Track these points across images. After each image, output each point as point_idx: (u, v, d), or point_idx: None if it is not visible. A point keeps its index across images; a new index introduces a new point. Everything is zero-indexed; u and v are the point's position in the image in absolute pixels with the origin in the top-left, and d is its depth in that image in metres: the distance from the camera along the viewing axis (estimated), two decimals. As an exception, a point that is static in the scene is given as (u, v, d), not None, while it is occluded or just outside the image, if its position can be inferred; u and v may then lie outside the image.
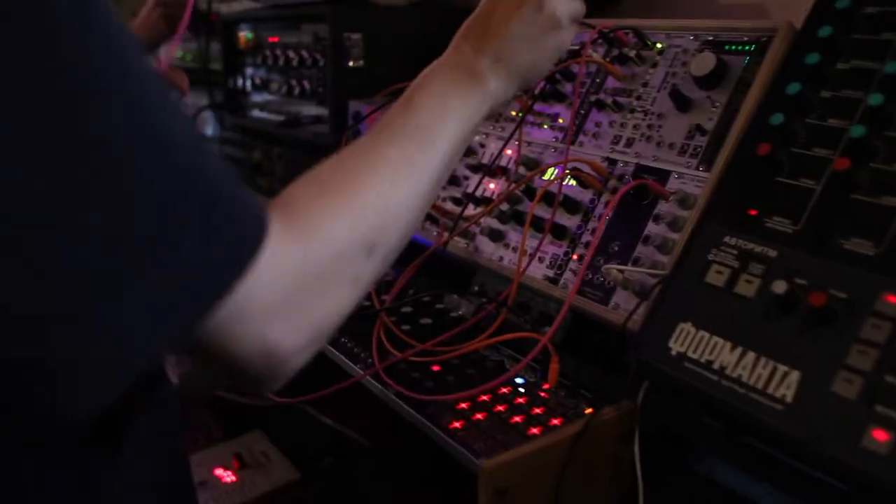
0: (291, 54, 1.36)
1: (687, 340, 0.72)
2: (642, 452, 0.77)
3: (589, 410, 0.78)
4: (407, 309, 0.98)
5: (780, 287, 0.66)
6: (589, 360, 0.88)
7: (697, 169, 0.84)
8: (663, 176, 0.87)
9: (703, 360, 0.70)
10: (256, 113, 1.58)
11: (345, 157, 0.60)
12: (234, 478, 1.26)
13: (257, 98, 1.58)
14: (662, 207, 0.85)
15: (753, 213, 0.74)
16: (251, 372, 0.50)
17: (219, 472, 1.28)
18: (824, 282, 0.66)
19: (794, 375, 0.64)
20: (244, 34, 1.55)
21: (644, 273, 0.82)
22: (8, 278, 0.39)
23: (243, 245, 0.46)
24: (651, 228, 0.85)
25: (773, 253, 0.71)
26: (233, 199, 0.47)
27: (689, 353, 0.71)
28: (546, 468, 0.72)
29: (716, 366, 0.69)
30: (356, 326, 0.97)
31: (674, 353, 0.72)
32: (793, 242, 0.70)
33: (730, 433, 0.71)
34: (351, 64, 1.24)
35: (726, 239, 0.74)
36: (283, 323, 0.49)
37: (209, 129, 1.77)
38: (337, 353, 0.92)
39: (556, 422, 0.76)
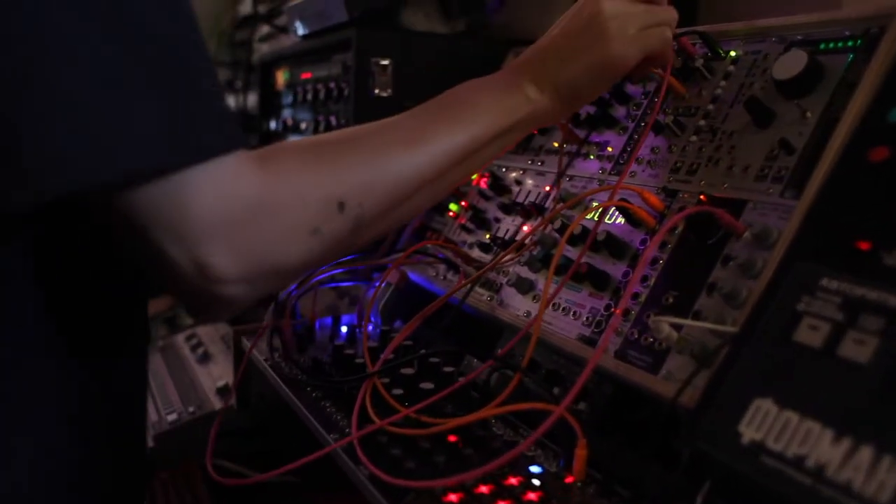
0: (320, 87, 1.24)
1: (766, 424, 0.50)
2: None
3: (625, 518, 0.56)
4: (408, 370, 0.78)
5: (913, 345, 0.43)
6: (630, 445, 0.65)
7: (782, 196, 0.63)
8: (736, 207, 0.66)
9: (789, 453, 0.48)
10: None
11: (365, 124, 0.66)
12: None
13: (290, 139, 1.46)
14: (734, 247, 0.64)
15: (865, 246, 0.52)
16: (183, 285, 0.51)
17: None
18: (982, 342, 0.43)
19: (942, 486, 0.41)
20: (282, 72, 1.45)
21: (706, 329, 0.60)
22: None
23: (199, 142, 0.50)
24: (718, 274, 0.64)
25: (896, 301, 0.49)
26: (210, 107, 0.52)
27: (769, 444, 0.49)
28: None
29: (810, 463, 0.47)
30: (345, 391, 0.78)
31: (746, 441, 0.50)
32: (927, 286, 0.48)
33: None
34: (377, 92, 1.09)
35: (824, 282, 0.53)
36: (220, 245, 0.51)
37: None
38: (311, 419, 0.73)
39: (577, 532, 0.54)
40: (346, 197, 0.57)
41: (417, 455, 0.63)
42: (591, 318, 0.73)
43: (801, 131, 0.65)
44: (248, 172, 0.52)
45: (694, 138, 0.75)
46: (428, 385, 0.74)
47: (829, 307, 0.52)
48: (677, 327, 0.62)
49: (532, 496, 0.59)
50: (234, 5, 2.02)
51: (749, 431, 0.50)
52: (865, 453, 0.45)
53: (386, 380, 0.75)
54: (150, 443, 1.01)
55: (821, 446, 0.47)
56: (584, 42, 0.69)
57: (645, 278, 0.70)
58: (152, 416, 1.06)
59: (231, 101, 1.86)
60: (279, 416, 0.94)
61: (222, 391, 1.07)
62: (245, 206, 0.52)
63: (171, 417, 1.04)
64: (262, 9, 1.62)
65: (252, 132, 1.58)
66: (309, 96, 1.26)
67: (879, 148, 0.52)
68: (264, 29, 1.62)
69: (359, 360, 0.82)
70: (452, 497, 0.59)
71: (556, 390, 0.76)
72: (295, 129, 1.39)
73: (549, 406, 0.59)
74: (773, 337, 0.53)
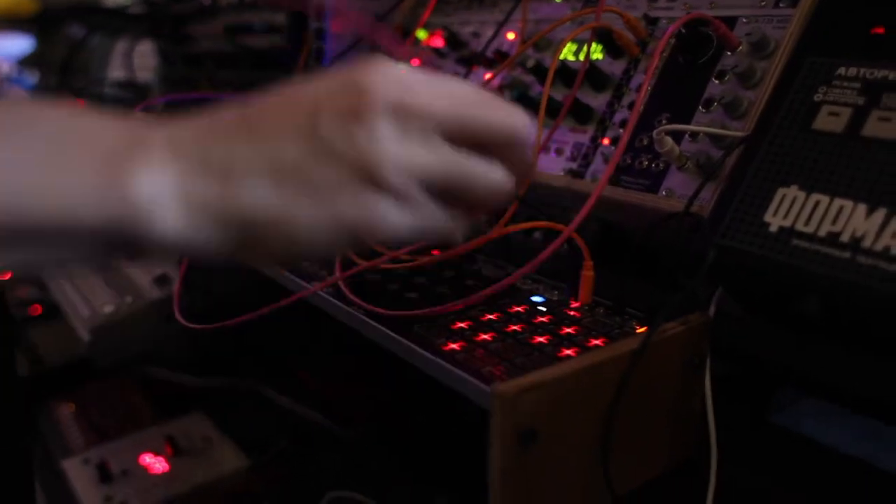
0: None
1: (794, 210, 0.49)
2: (714, 390, 0.54)
3: (642, 329, 0.54)
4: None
5: (954, 103, 0.43)
6: (629, 276, 0.64)
7: (777, 6, 0.62)
8: (727, 24, 0.64)
9: (822, 233, 0.47)
10: (206, 42, 1.34)
11: None
12: (165, 466, 1.00)
13: (207, 25, 1.33)
14: (727, 62, 0.62)
15: (880, 30, 0.51)
16: None
17: (147, 459, 1.02)
18: None
19: None
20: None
21: (712, 134, 0.59)
22: None
23: None
24: (713, 90, 0.62)
25: (920, 76, 0.48)
26: None
27: (800, 227, 0.48)
28: (589, 401, 0.48)
29: (845, 238, 0.46)
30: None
31: (774, 229, 0.49)
32: (950, 59, 0.47)
33: (865, 341, 0.48)
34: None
35: (841, 71, 0.52)
36: None
37: (150, 68, 1.52)
38: (285, 273, 0.68)
39: (596, 342, 0.52)
40: None
41: (416, 288, 0.59)
42: (576, 153, 0.70)
43: (791, -60, 0.63)
44: None
45: (672, -37, 0.72)
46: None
47: (849, 93, 0.50)
48: (682, 132, 0.60)
49: (543, 319, 0.57)
50: None
51: (776, 220, 0.49)
52: (901, 220, 0.44)
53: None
54: (86, 336, 0.92)
55: (854, 221, 0.46)
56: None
57: (631, 105, 0.67)
58: (83, 311, 0.97)
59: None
60: (238, 294, 0.87)
61: (161, 281, 0.99)
62: None
63: (108, 309, 0.95)
64: None
65: (160, 22, 1.44)
66: None
67: (897, -73, 0.51)
68: None
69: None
70: (461, 324, 0.56)
71: (537, 234, 0.74)
72: (213, 9, 1.27)
73: (560, 227, 0.56)
74: (790, 130, 0.52)
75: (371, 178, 0.36)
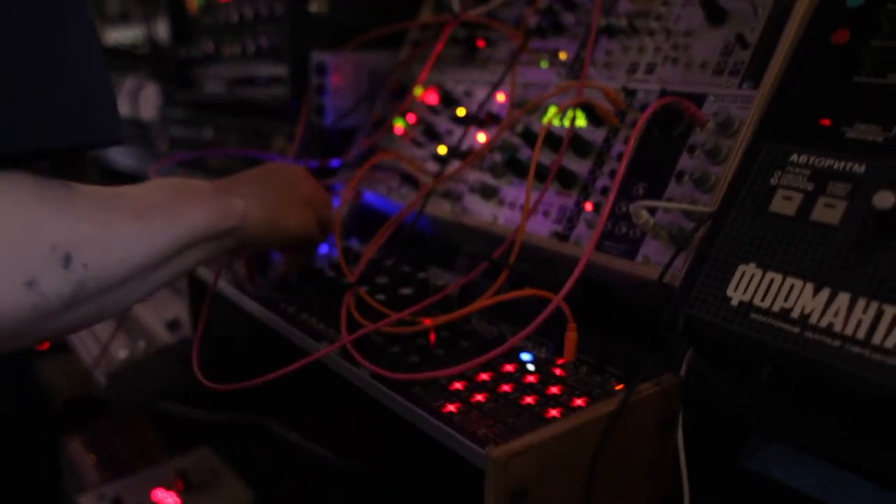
0: (247, 10, 1.19)
1: (752, 286, 0.55)
2: (686, 442, 0.60)
3: (620, 387, 0.61)
4: (382, 279, 0.79)
5: (885, 200, 0.49)
6: (610, 335, 0.70)
7: (740, 87, 0.68)
8: (697, 101, 0.70)
9: (776, 308, 0.53)
10: (210, 87, 1.40)
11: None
12: (177, 500, 1.06)
13: (210, 71, 1.40)
14: (698, 137, 0.69)
15: (826, 122, 0.58)
16: None
17: (159, 494, 1.07)
18: (942, 193, 0.49)
19: (913, 317, 0.47)
20: (194, -4, 1.37)
21: (683, 210, 0.65)
22: None
23: None
24: (685, 162, 0.68)
25: (860, 168, 0.54)
26: None
27: (757, 302, 0.54)
28: (573, 461, 0.54)
29: (795, 314, 0.52)
30: (323, 302, 0.78)
31: (734, 303, 0.55)
32: (886, 152, 0.54)
33: (813, 402, 0.54)
34: (315, 9, 1.06)
35: (793, 158, 0.58)
36: None
37: (155, 107, 1.58)
38: (294, 330, 0.74)
39: (579, 402, 0.58)
40: (72, 248, 0.50)
41: (417, 351, 0.65)
42: (561, 216, 0.76)
43: (753, 27, 0.69)
44: None
45: (648, 39, 0.78)
46: (407, 290, 0.76)
47: (800, 179, 0.57)
48: (652, 213, 0.66)
49: (531, 378, 0.63)
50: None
51: (737, 294, 0.55)
52: (842, 299, 0.51)
53: (366, 288, 0.76)
54: (103, 381, 0.98)
55: (803, 299, 0.52)
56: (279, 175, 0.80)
57: (613, 172, 0.74)
58: (95, 352, 1.02)
59: (132, 32, 1.75)
60: (248, 345, 0.93)
61: (172, 325, 1.04)
62: None
63: (123, 354, 1.00)
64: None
65: (165, 64, 1.50)
66: (235, 20, 1.21)
67: (841, 31, 0.57)
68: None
69: (330, 275, 0.82)
70: (457, 385, 0.62)
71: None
72: (217, 57, 1.33)
73: (548, 294, 0.62)
74: (750, 210, 0.58)
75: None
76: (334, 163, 1.04)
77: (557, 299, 0.61)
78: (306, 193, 0.80)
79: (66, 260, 0.49)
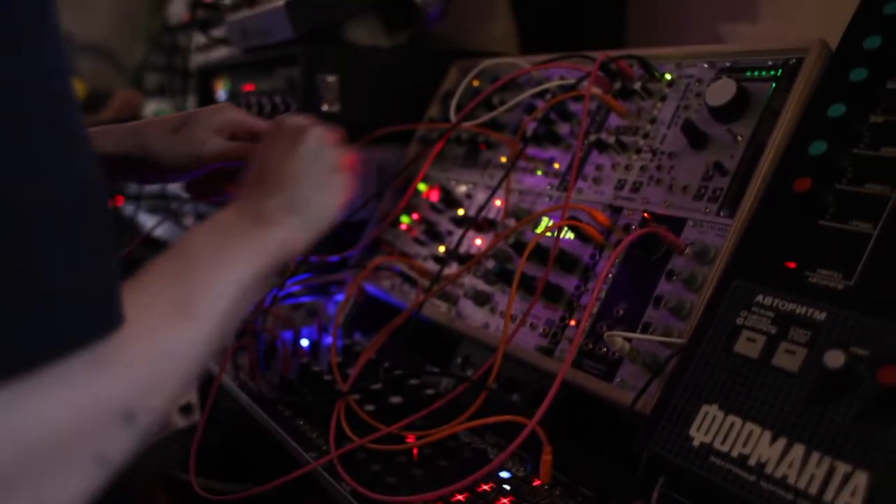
0: (265, 101, 1.25)
1: (713, 428, 0.56)
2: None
3: (591, 515, 0.62)
4: (375, 385, 0.82)
5: (835, 359, 0.50)
6: (591, 448, 0.71)
7: (718, 214, 0.70)
8: (677, 225, 0.72)
9: (734, 454, 0.54)
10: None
11: None
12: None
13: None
14: (677, 262, 0.71)
15: (792, 265, 0.59)
16: None
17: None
18: (893, 352, 0.51)
19: (861, 478, 0.48)
20: (221, 82, 1.44)
21: (656, 342, 0.67)
22: None
23: None
24: (663, 288, 0.70)
25: (820, 315, 0.56)
26: None
27: (717, 445, 0.55)
28: None
29: (752, 462, 0.53)
30: (317, 408, 0.81)
31: (696, 443, 0.57)
32: (846, 301, 0.55)
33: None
34: (325, 108, 1.12)
35: (759, 298, 0.59)
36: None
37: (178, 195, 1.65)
38: (287, 438, 0.77)
39: (549, 531, 0.60)
40: (135, 404, 0.42)
41: (396, 470, 0.68)
42: (547, 330, 0.78)
43: (732, 154, 0.72)
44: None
45: (635, 157, 0.81)
46: (397, 399, 0.79)
47: (764, 321, 0.58)
48: (629, 339, 0.68)
49: (505, 501, 0.64)
50: (160, 8, 1.99)
51: (699, 435, 0.57)
52: (797, 451, 0.52)
53: (357, 397, 0.79)
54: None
55: (761, 446, 0.53)
56: (322, 172, 0.65)
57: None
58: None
59: (167, 105, 1.84)
60: (248, 432, 0.96)
61: (185, 409, 1.08)
62: None
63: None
64: (199, 14, 1.60)
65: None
66: (253, 109, 1.27)
67: (802, 179, 0.59)
68: (201, 38, 1.60)
69: (327, 378, 0.85)
70: (433, 508, 0.64)
71: (515, 396, 0.82)
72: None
73: (523, 420, 0.64)
74: (716, 349, 0.60)
75: None
76: (338, 257, 1.08)
77: (532, 424, 0.63)
78: (330, 163, 0.66)
79: (130, 418, 0.42)
